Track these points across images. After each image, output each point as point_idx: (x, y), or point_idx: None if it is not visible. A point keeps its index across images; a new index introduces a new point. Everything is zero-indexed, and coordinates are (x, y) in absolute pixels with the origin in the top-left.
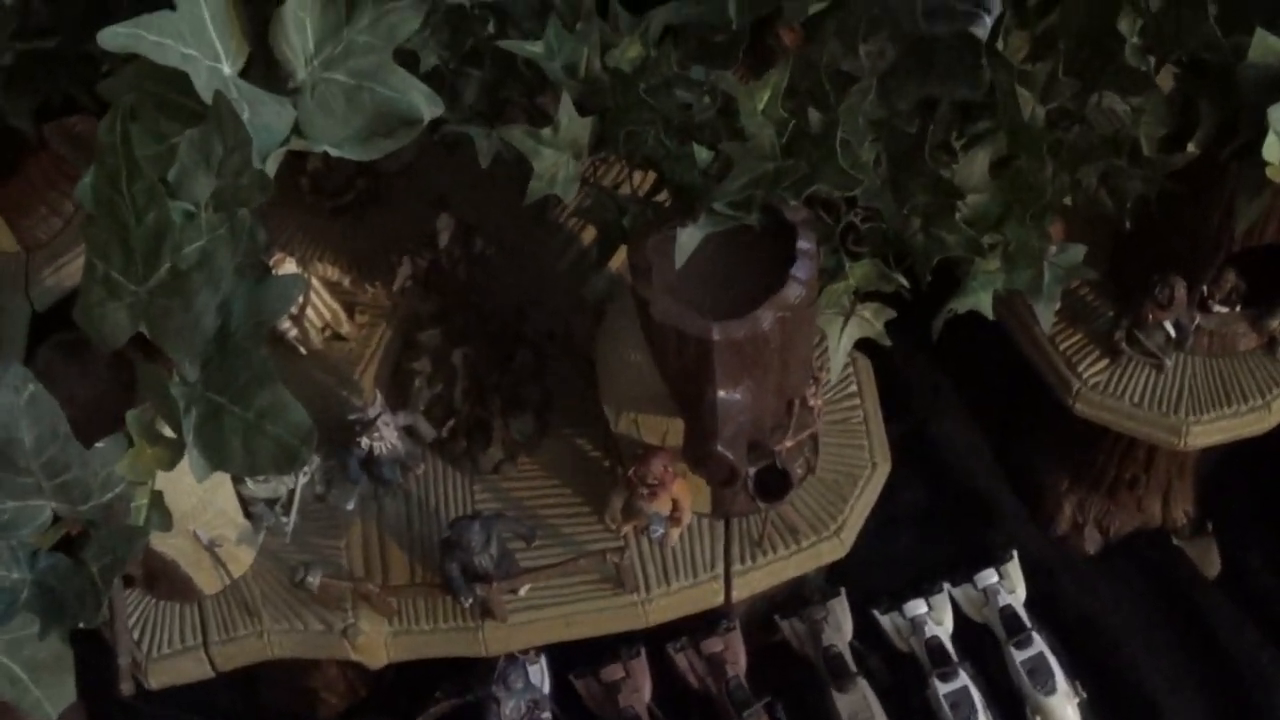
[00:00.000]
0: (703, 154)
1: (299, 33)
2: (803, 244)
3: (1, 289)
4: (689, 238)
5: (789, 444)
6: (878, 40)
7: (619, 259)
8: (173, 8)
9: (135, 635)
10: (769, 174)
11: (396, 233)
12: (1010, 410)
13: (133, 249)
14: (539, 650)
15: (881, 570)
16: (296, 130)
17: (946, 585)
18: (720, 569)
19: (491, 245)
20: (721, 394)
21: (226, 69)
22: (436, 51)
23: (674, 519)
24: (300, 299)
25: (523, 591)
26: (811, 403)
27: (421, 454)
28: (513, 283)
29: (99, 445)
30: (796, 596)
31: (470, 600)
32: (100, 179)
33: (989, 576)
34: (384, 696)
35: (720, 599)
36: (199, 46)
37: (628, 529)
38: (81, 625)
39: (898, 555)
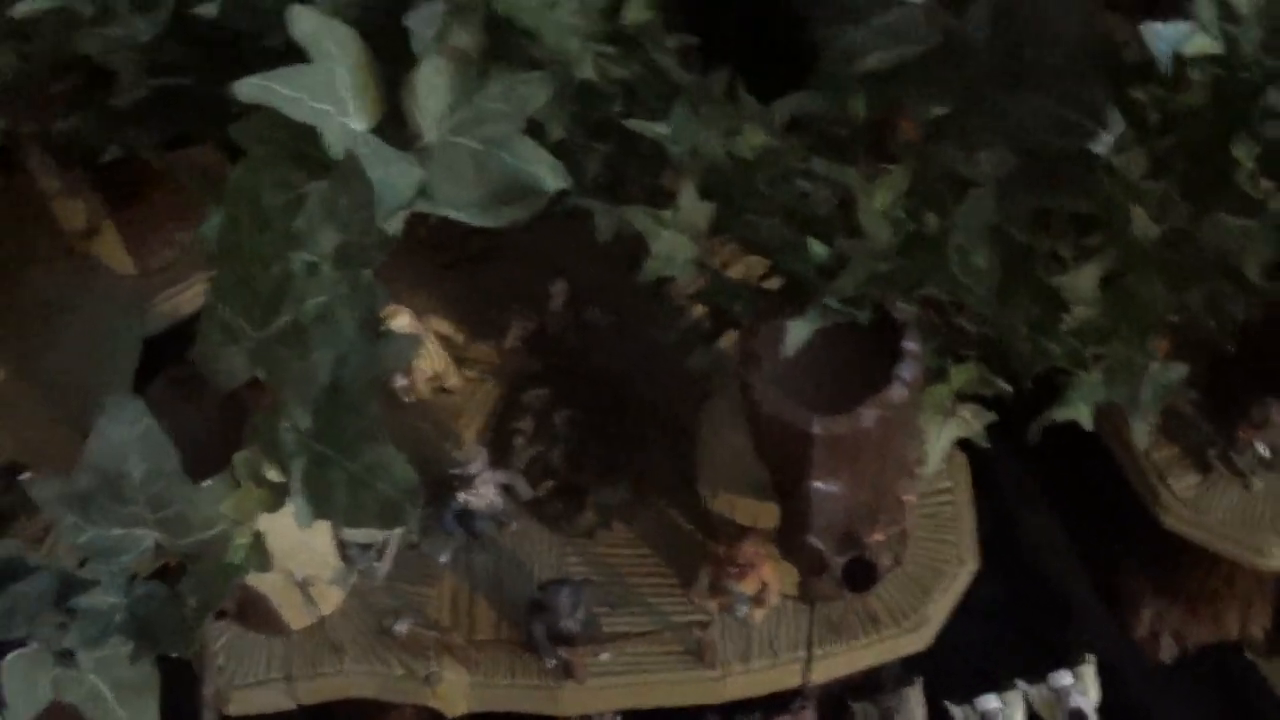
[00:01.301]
0: (817, 248)
1: (431, 95)
2: (909, 345)
3: (115, 311)
4: (799, 331)
5: (879, 537)
6: (997, 148)
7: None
8: (307, 61)
9: (220, 662)
10: (883, 273)
11: (509, 292)
12: (1098, 513)
13: (255, 296)
14: (616, 713)
15: (957, 661)
16: (421, 191)
17: (1020, 682)
18: (801, 652)
19: (602, 313)
20: (818, 485)
21: (357, 126)
22: (564, 124)
23: (760, 600)
24: None
25: (604, 656)
26: (905, 498)
27: (516, 512)
28: (619, 352)
29: (205, 484)
30: (872, 681)
31: (554, 662)
32: (228, 225)
33: (1063, 677)
34: None
35: (798, 681)
36: (331, 102)
37: (713, 605)
38: (173, 655)
39: (974, 648)
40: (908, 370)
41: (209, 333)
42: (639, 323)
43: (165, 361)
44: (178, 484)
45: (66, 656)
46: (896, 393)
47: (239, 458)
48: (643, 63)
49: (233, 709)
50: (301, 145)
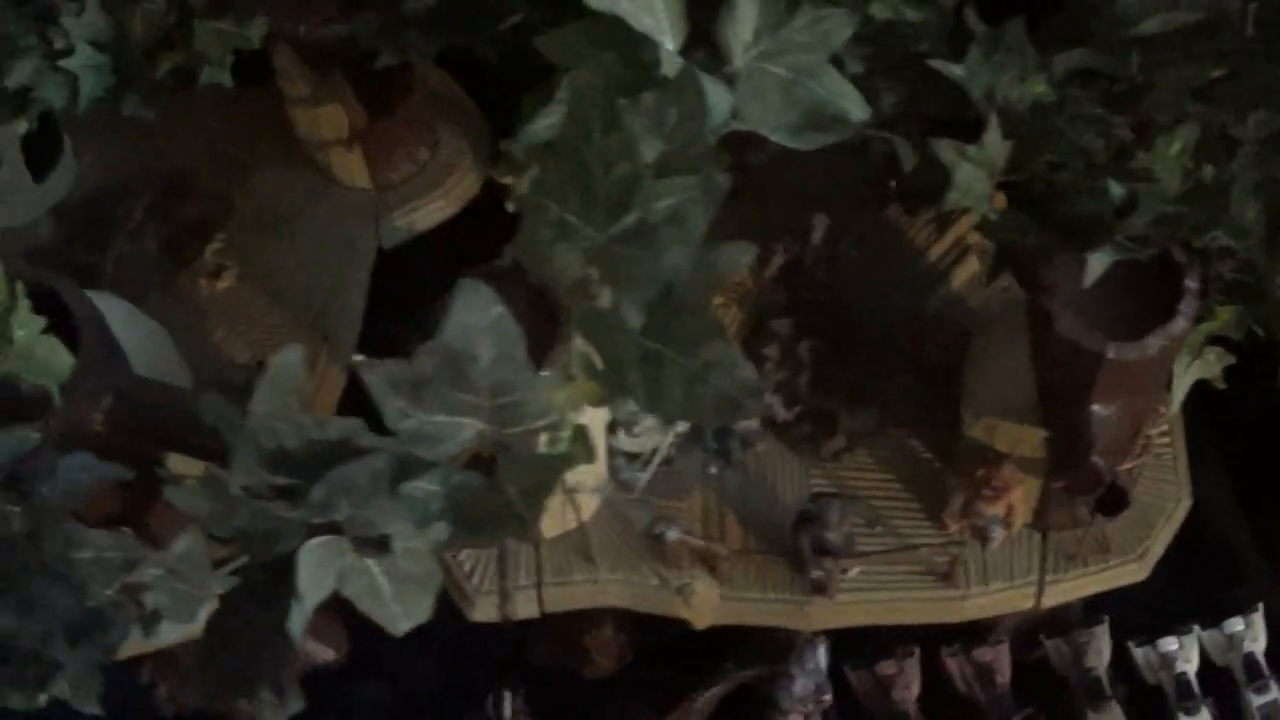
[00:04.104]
0: (1115, 188)
1: (741, 23)
2: (1189, 283)
3: (350, 223)
4: (1098, 263)
5: (1128, 466)
6: (1262, 112)
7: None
8: None
9: (467, 569)
10: (1169, 216)
11: (765, 221)
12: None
13: (595, 197)
14: (824, 636)
15: (1134, 608)
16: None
17: (1196, 627)
18: (1035, 576)
19: (854, 248)
20: (1095, 408)
21: (669, 44)
22: (861, 60)
23: (1007, 523)
24: None
25: (853, 573)
26: (1150, 432)
27: (763, 433)
28: (861, 287)
29: (544, 374)
30: (1058, 621)
31: (818, 573)
32: (570, 127)
33: (1236, 624)
34: (648, 664)
35: (1031, 604)
36: (650, 17)
37: (960, 526)
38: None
39: (1150, 597)
40: (1188, 306)
41: (537, 231)
42: (882, 261)
43: (401, 274)
44: (523, 371)
45: (366, 545)
46: (1179, 326)
47: (575, 350)
48: (935, 8)
49: (478, 615)
50: (631, 57)
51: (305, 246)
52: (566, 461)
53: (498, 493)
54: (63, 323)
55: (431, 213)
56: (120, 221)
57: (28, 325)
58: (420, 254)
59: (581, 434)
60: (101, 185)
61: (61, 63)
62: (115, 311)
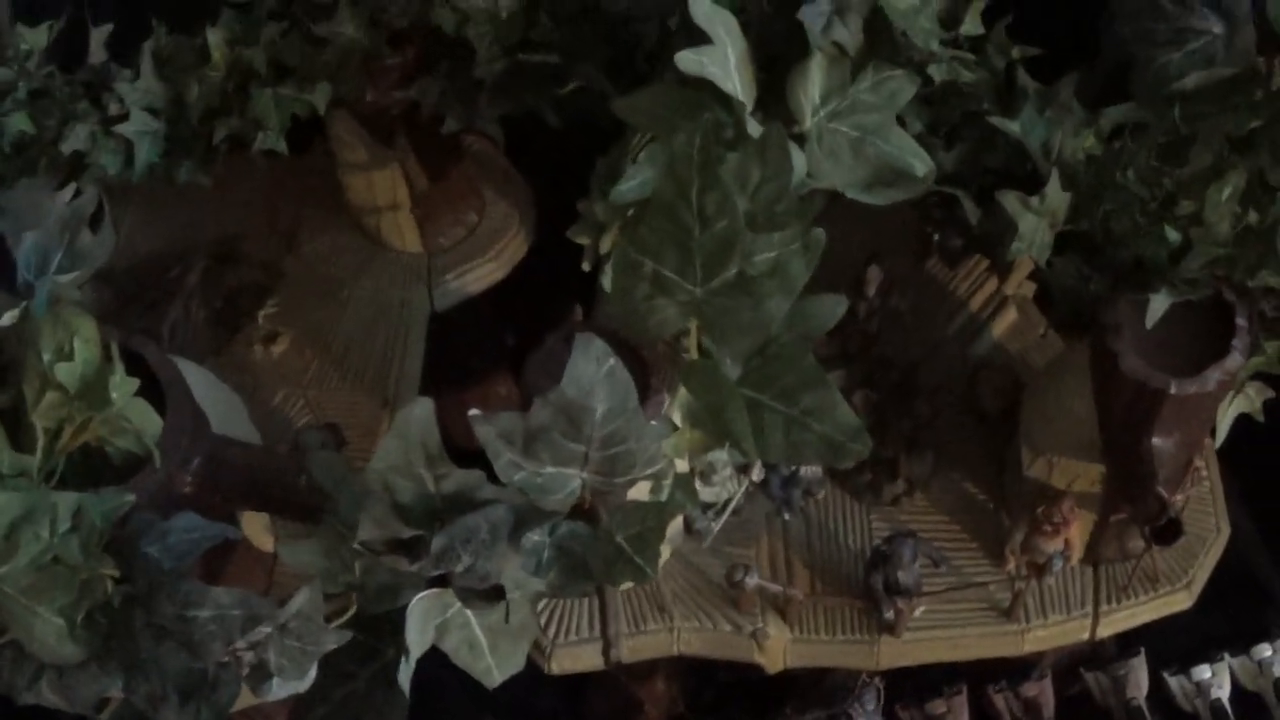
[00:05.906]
0: (1173, 234)
1: (811, 85)
2: (1240, 321)
3: (403, 286)
4: (1159, 304)
5: (1180, 498)
6: None
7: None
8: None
9: (542, 621)
10: (1222, 259)
11: (818, 274)
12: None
13: (692, 252)
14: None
15: (1163, 637)
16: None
17: (1226, 655)
18: (1089, 608)
19: (902, 300)
20: (1156, 441)
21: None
22: (922, 119)
23: (1065, 557)
24: None
25: (918, 612)
26: (1197, 464)
27: (824, 481)
28: (906, 339)
29: (653, 424)
30: (1096, 654)
31: (890, 612)
32: (667, 186)
33: (1264, 650)
34: (701, 713)
35: (1087, 635)
36: (726, 81)
37: (1019, 562)
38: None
39: (1179, 626)
40: (1241, 341)
41: (633, 289)
42: (928, 312)
43: (453, 337)
44: (637, 422)
45: (474, 597)
46: (1233, 361)
47: (681, 399)
48: (987, 69)
49: (554, 666)
50: (685, 121)
51: (359, 311)
52: (675, 508)
53: (607, 541)
54: (144, 386)
55: (482, 276)
56: (173, 287)
57: (123, 388)
58: (465, 317)
59: (685, 481)
60: (153, 251)
61: (116, 128)
62: (191, 375)
